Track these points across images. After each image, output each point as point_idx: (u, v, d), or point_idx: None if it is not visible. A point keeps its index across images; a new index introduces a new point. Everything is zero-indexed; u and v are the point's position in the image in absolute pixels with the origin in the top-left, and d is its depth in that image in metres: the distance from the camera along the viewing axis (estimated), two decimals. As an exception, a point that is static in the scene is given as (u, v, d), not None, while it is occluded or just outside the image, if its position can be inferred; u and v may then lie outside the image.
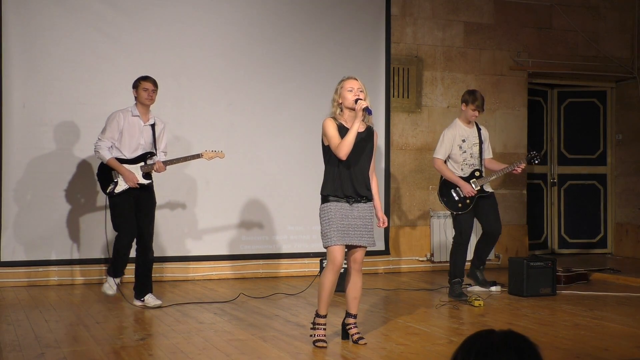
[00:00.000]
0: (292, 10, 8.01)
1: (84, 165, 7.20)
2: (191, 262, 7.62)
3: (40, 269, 7.13)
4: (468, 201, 6.49)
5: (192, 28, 7.63)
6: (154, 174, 6.13)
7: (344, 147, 4.57)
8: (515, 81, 9.13)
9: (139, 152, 6.00)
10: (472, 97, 6.52)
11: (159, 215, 7.47)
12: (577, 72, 9.47)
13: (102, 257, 7.21)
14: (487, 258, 6.85)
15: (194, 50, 7.63)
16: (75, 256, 7.20)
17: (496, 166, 6.72)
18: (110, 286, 6.04)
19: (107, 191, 5.96)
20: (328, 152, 4.70)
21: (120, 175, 5.93)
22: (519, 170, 6.63)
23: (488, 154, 6.72)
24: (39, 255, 7.12)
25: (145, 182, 6.02)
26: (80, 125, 7.17)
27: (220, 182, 7.71)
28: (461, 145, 6.53)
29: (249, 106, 7.83)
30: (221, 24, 7.74)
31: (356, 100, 4.61)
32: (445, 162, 6.60)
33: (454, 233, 6.68)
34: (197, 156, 6.18)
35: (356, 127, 4.57)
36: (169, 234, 7.53)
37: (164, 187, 7.49)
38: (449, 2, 8.77)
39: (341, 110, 4.71)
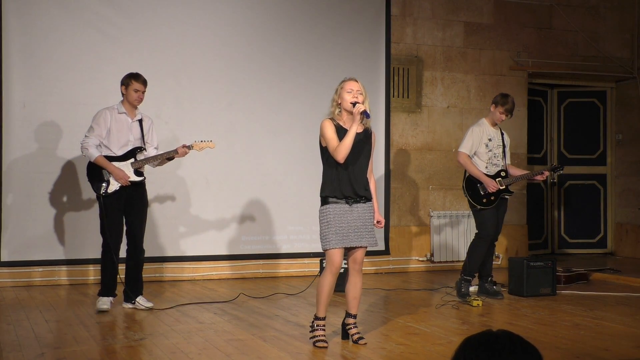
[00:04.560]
0: (292, 11, 8.01)
1: (85, 165, 7.19)
2: (191, 262, 7.63)
3: (41, 269, 7.13)
4: (492, 197, 6.52)
5: (193, 29, 7.63)
6: (146, 170, 6.02)
7: (342, 150, 4.56)
8: (515, 81, 9.13)
9: (128, 149, 5.87)
10: (503, 100, 6.53)
11: (159, 214, 7.48)
12: (577, 72, 9.48)
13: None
14: (492, 264, 6.84)
15: (194, 50, 7.63)
16: (76, 256, 7.20)
17: (517, 171, 6.78)
18: (103, 302, 5.80)
19: (101, 192, 5.78)
20: (326, 153, 4.69)
21: (110, 174, 5.79)
22: (540, 179, 6.74)
23: (508, 159, 6.75)
24: (39, 255, 7.12)
25: (137, 179, 5.87)
26: (80, 125, 7.13)
27: (220, 182, 7.72)
28: (487, 144, 6.56)
29: (249, 106, 7.83)
30: (221, 25, 7.74)
31: (354, 104, 4.60)
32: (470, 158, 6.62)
33: (476, 230, 6.70)
34: (189, 147, 5.98)
35: (354, 131, 4.57)
36: (169, 234, 7.54)
37: (163, 186, 7.50)
38: (449, 2, 8.77)
39: (340, 111, 4.71)
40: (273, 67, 7.92)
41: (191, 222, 7.63)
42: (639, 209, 9.63)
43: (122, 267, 6.05)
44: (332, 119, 4.71)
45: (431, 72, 8.70)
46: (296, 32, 8.02)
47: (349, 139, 4.56)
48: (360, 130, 4.67)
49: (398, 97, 8.53)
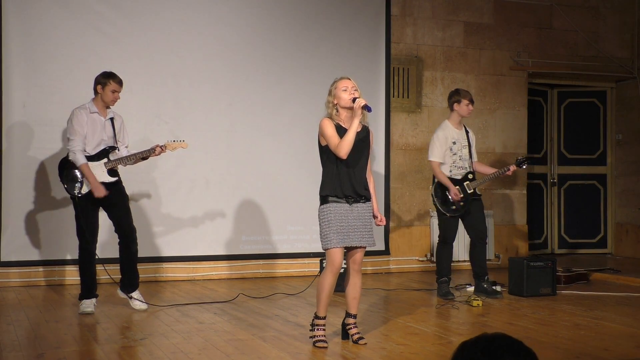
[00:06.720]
0: (292, 11, 8.01)
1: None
2: (191, 262, 7.63)
3: (41, 268, 7.13)
4: (462, 203, 6.51)
5: (192, 30, 7.63)
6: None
7: (345, 146, 4.56)
8: (515, 81, 9.13)
9: (101, 148, 5.78)
10: (462, 93, 6.60)
11: (159, 214, 7.48)
12: (577, 72, 9.47)
13: (103, 256, 7.18)
14: (486, 263, 6.85)
15: (194, 51, 7.63)
16: (76, 256, 7.17)
17: (486, 169, 6.77)
18: (87, 305, 5.73)
19: (75, 192, 5.68)
20: (326, 152, 4.69)
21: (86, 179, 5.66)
22: (509, 174, 6.68)
23: (474, 157, 6.75)
24: (39, 255, 7.12)
25: (112, 179, 5.77)
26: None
27: (220, 182, 7.72)
28: (451, 147, 6.57)
29: (249, 106, 7.83)
30: (221, 26, 7.74)
31: (354, 100, 4.60)
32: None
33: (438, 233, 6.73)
34: (162, 147, 5.82)
35: (356, 126, 4.57)
36: (169, 234, 7.54)
37: (164, 186, 7.50)
38: (449, 2, 8.77)
39: (337, 111, 4.70)
40: (273, 67, 7.91)
41: (191, 222, 7.62)
42: (639, 209, 9.63)
43: (115, 266, 6.05)
44: (330, 119, 4.70)
45: (431, 72, 8.70)
46: (296, 32, 8.02)
47: (351, 135, 4.56)
48: (359, 128, 4.67)
49: (398, 97, 8.53)
